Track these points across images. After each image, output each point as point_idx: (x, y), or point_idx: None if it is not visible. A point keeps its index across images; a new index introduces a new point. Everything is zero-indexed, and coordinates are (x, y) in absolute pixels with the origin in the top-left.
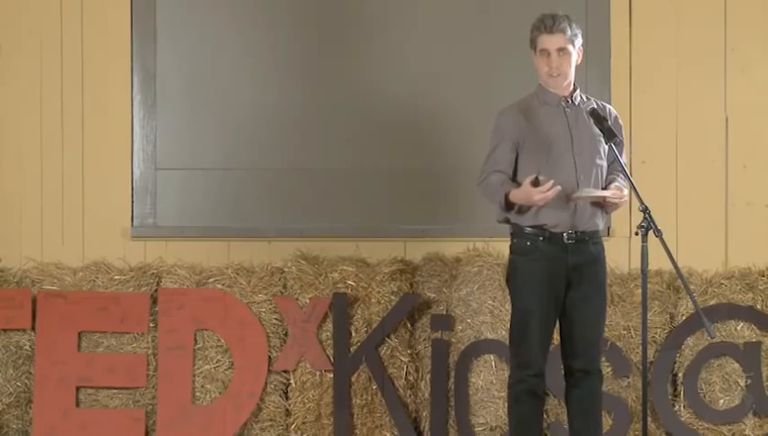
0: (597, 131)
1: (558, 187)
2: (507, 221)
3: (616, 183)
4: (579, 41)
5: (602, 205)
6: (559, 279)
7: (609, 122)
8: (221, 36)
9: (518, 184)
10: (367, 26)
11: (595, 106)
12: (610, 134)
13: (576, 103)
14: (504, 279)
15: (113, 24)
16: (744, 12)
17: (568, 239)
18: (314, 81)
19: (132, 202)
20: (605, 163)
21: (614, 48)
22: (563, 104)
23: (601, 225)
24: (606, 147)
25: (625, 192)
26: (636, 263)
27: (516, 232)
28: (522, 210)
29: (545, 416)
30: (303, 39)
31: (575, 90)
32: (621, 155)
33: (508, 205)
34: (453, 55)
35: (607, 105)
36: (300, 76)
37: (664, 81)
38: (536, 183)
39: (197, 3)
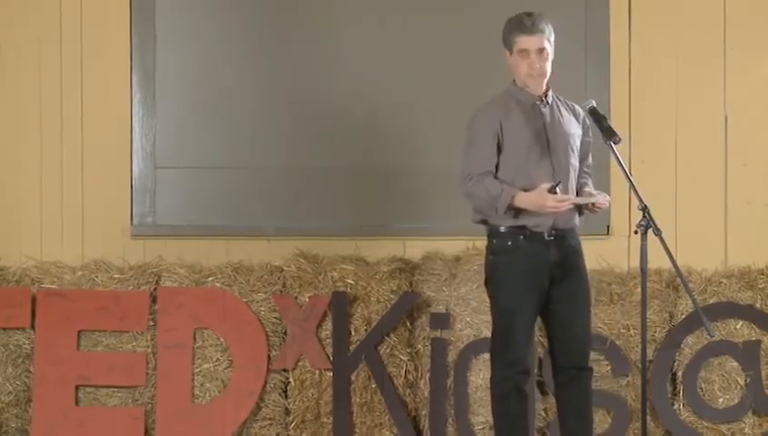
0: (572, 130)
1: (573, 201)
2: (485, 221)
3: (588, 188)
4: (553, 37)
5: (581, 209)
6: (542, 275)
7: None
8: (221, 35)
9: (519, 188)
10: (367, 26)
11: (567, 106)
12: (609, 133)
13: (550, 102)
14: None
15: (113, 23)
16: (744, 12)
17: (549, 236)
18: (314, 80)
19: (132, 200)
20: (578, 164)
21: (614, 48)
22: (538, 103)
23: (578, 222)
24: (578, 146)
25: (606, 197)
26: (636, 262)
27: (495, 233)
28: (508, 213)
29: (544, 415)
30: (303, 39)
31: (547, 89)
32: (588, 154)
33: (508, 208)
34: (453, 54)
35: (576, 105)
36: (300, 75)
37: (664, 80)
38: (551, 192)
39: (196, 2)
